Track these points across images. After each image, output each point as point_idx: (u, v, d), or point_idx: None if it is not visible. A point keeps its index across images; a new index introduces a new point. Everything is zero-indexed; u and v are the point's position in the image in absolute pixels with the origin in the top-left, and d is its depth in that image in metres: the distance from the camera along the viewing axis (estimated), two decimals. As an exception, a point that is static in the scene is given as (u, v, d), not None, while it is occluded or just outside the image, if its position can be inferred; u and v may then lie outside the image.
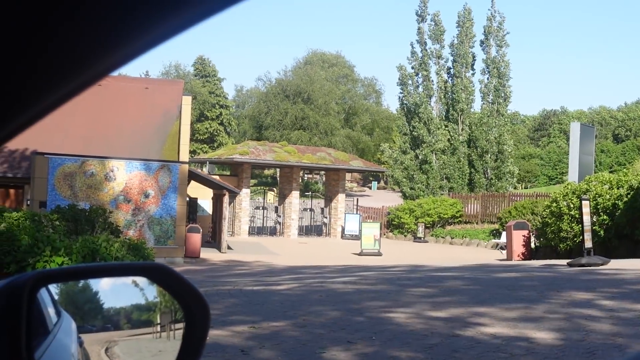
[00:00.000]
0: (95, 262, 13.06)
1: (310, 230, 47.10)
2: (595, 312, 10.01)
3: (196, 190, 35.66)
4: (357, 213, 46.88)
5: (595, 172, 31.16)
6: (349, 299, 12.07)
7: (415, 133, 55.38)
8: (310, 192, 57.01)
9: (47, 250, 14.93)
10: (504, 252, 30.72)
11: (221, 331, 8.74)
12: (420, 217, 44.11)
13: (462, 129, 55.66)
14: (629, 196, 23.67)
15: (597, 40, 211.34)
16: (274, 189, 67.50)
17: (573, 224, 24.97)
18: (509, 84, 55.94)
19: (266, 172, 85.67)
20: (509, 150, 54.89)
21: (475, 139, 54.27)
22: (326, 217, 46.71)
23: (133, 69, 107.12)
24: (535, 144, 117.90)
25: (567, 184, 27.63)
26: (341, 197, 46.20)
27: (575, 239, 24.56)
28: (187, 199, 29.75)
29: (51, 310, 1.88)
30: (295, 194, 44.68)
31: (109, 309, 1.89)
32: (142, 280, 1.79)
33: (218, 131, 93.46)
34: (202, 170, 45.53)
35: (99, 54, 0.71)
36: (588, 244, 19.88)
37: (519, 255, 28.12)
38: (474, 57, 56.87)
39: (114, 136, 28.24)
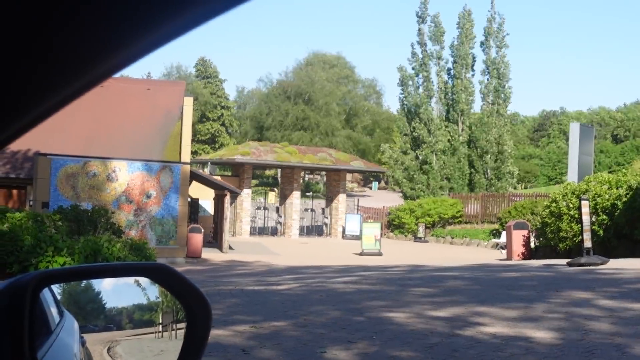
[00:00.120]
0: (97, 263, 13.06)
1: (311, 230, 47.11)
2: (595, 312, 10.01)
3: (198, 190, 35.66)
4: (357, 213, 46.90)
5: (594, 173, 31.13)
6: (349, 299, 12.07)
7: (416, 134, 55.39)
8: (311, 193, 57.08)
9: (49, 250, 14.94)
10: (504, 252, 30.70)
11: (222, 331, 8.74)
12: (421, 217, 44.11)
13: (462, 130, 55.67)
14: (628, 196, 23.67)
15: (596, 41, 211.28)
16: (275, 189, 67.53)
17: (572, 224, 24.95)
18: (509, 84, 55.99)
19: (267, 172, 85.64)
20: (509, 150, 54.89)
21: (476, 139, 54.27)
22: (327, 218, 46.72)
23: (135, 70, 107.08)
24: (535, 144, 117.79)
25: (567, 184, 27.62)
26: (342, 197, 46.21)
27: (574, 239, 24.54)
28: (189, 199, 29.75)
29: (54, 310, 1.88)
30: (296, 194, 44.68)
31: (111, 308, 1.90)
32: (144, 281, 1.79)
33: (219, 132, 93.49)
34: (203, 170, 45.51)
35: (103, 55, 0.72)
36: (587, 243, 19.87)
37: (518, 255, 28.11)
38: (474, 58, 56.88)
39: (116, 137, 28.25)
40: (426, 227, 43.78)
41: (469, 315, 9.95)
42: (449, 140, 55.36)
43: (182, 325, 1.72)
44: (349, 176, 66.55)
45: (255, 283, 16.30)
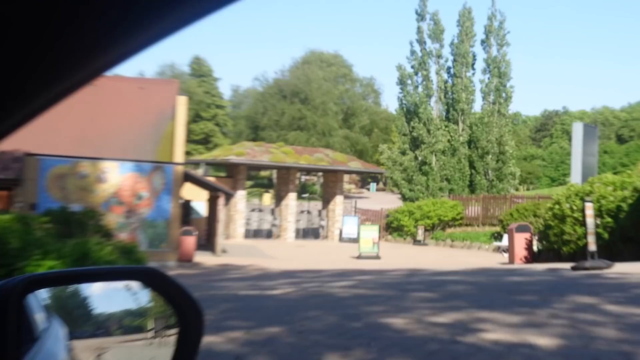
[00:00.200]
0: (86, 266, 13.04)
1: (307, 233, 47.11)
2: (600, 318, 10.00)
3: (191, 192, 35.66)
4: (355, 215, 46.93)
5: (598, 174, 31.14)
6: (346, 304, 12.05)
7: (415, 134, 55.44)
8: (307, 194, 57.10)
9: (37, 253, 14.89)
10: (506, 255, 30.72)
11: (215, 337, 8.72)
12: (420, 220, 44.12)
13: (463, 130, 55.73)
14: (633, 198, 23.67)
15: (599, 39, 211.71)
16: (270, 190, 67.55)
17: (576, 227, 24.96)
18: (510, 83, 56.08)
19: (262, 173, 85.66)
20: (511, 151, 54.97)
21: (476, 139, 54.33)
22: (323, 220, 46.74)
23: (127, 68, 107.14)
24: (537, 144, 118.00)
25: (570, 186, 27.62)
26: (339, 199, 46.23)
27: (578, 242, 24.56)
28: (181, 201, 29.73)
29: (41, 316, 1.87)
30: (292, 195, 44.70)
31: (100, 314, 1.88)
32: (134, 285, 1.78)
33: (213, 132, 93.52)
34: (196, 171, 45.49)
35: (94, 52, 0.70)
36: (592, 247, 19.87)
37: (521, 259, 28.11)
38: (474, 56, 56.99)
39: (107, 137, 28.22)
40: (425, 230, 43.79)
41: (470, 321, 9.93)
42: (448, 141, 55.42)
43: (174, 331, 1.70)
44: (346, 177, 66.61)
45: (249, 287, 16.28)
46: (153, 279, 1.72)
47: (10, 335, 1.32)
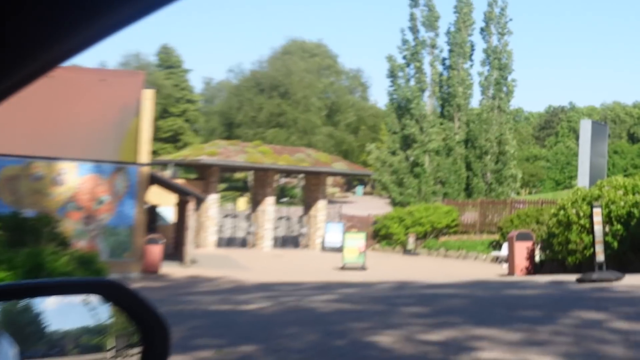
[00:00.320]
0: (40, 278, 12.99)
1: (287, 241, 47.10)
2: (608, 335, 10.05)
3: (157, 196, 35.56)
4: (339, 222, 46.95)
5: (608, 176, 31.29)
6: (329, 320, 12.07)
7: (406, 132, 55.46)
8: (286, 199, 57.07)
9: (-14, 264, 14.83)
10: (505, 266, 30.78)
11: (183, 357, 8.73)
12: (411, 227, 44.17)
13: (459, 127, 55.83)
14: (646, 203, 23.78)
15: (609, 29, 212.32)
16: (246, 194, 67.49)
17: (583, 235, 25.04)
18: (512, 76, 56.23)
19: (237, 175, 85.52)
20: (512, 151, 55.06)
21: (474, 138, 54.44)
22: (304, 227, 46.74)
23: (87, 58, 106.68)
24: (541, 144, 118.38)
25: (577, 190, 27.70)
26: (322, 203, 46.24)
27: (585, 252, 24.63)
28: (147, 206, 29.66)
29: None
30: (270, 200, 44.67)
31: (54, 331, 1.89)
32: (93, 299, 1.79)
33: (183, 129, 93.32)
34: (164, 173, 45.39)
35: (50, 40, 0.71)
36: (600, 257, 19.95)
37: (522, 270, 28.19)
38: (472, 46, 57.04)
39: (65, 134, 28.09)
40: (417, 238, 43.84)
41: (465, 338, 9.97)
42: (443, 139, 55.51)
43: (137, 350, 1.72)
44: (330, 180, 66.59)
45: (221, 302, 16.28)
46: (114, 293, 1.73)
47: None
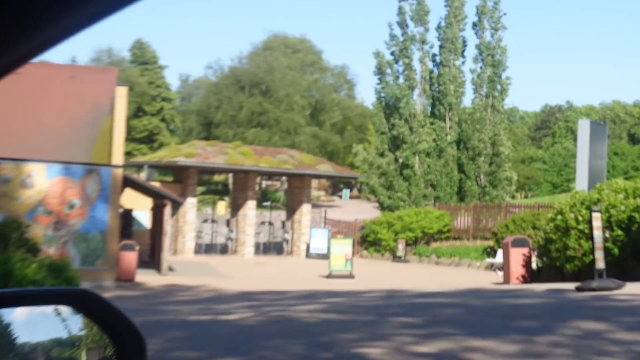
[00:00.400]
0: (8, 288, 12.94)
1: (269, 247, 47.13)
2: (609, 346, 10.08)
3: (132, 199, 35.52)
4: (325, 227, 46.96)
5: (607, 179, 31.41)
6: (314, 331, 12.07)
7: (395, 132, 55.48)
8: (269, 202, 57.03)
9: (-51, 272, 14.77)
10: (500, 274, 30.88)
11: (161, 370, 8.70)
12: (401, 233, 44.21)
13: (451, 127, 55.90)
14: (647, 207, 23.86)
15: (609, 23, 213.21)
16: (226, 198, 67.45)
17: (582, 241, 25.12)
18: (506, 74, 56.25)
19: (216, 178, 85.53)
20: (506, 152, 55.13)
21: (466, 139, 54.52)
22: (288, 232, 46.74)
23: (57, 54, 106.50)
24: (537, 145, 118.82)
25: (575, 193, 27.81)
26: (306, 208, 46.25)
27: (584, 259, 24.71)
28: (121, 210, 29.60)
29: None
30: (251, 204, 44.65)
31: (23, 344, 1.87)
32: (64, 310, 1.77)
33: (159, 129, 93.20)
34: (139, 175, 45.32)
35: (18, 35, 0.70)
36: (600, 264, 20.01)
37: (517, 278, 28.27)
38: (464, 42, 57.09)
39: (33, 134, 28.01)
40: (407, 245, 43.87)
41: (459, 350, 9.98)
42: (434, 140, 55.57)
43: (111, 364, 1.70)
44: (314, 182, 66.71)
45: (200, 312, 16.26)
46: (86, 303, 1.72)
47: None
